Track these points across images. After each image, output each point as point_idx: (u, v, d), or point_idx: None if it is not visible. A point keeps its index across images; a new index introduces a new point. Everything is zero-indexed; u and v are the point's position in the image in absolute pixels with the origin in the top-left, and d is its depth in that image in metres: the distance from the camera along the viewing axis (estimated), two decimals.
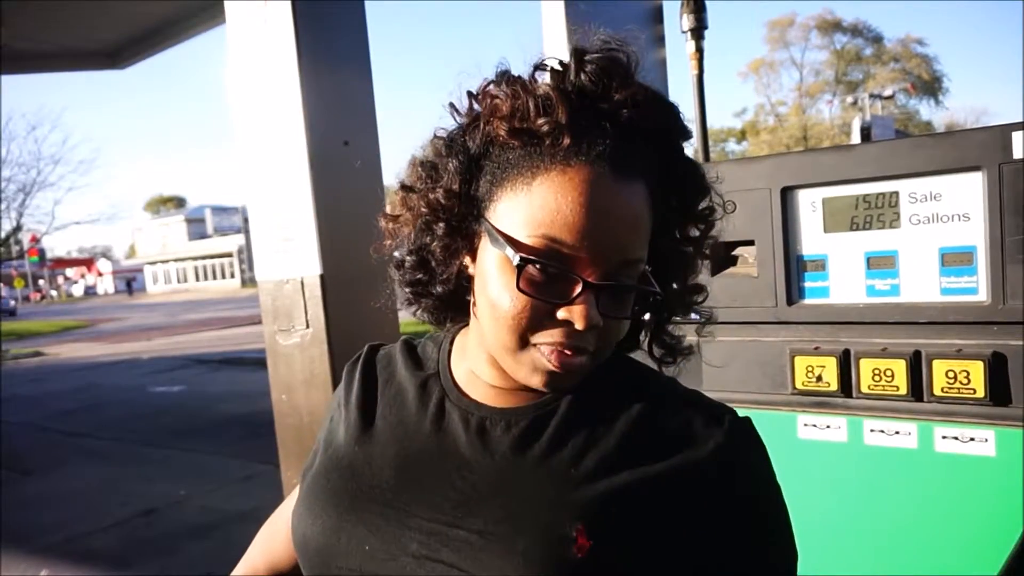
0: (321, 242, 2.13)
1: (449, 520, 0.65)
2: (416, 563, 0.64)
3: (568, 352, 0.63)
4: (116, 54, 5.90)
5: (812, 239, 1.27)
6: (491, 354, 0.70)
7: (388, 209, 0.76)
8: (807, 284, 1.29)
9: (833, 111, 37.99)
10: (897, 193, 1.19)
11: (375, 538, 0.67)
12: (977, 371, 1.11)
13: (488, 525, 0.63)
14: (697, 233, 0.72)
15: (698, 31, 2.09)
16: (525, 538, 0.61)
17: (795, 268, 1.29)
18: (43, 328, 24.53)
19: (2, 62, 5.65)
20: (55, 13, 4.95)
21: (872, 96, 29.05)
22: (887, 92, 30.03)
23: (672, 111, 0.67)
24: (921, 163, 1.15)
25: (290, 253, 2.20)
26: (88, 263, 68.12)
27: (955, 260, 1.15)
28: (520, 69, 0.68)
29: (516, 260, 0.61)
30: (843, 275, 1.25)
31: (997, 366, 1.10)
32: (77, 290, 64.56)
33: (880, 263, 1.22)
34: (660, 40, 2.58)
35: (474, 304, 0.71)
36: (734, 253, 1.36)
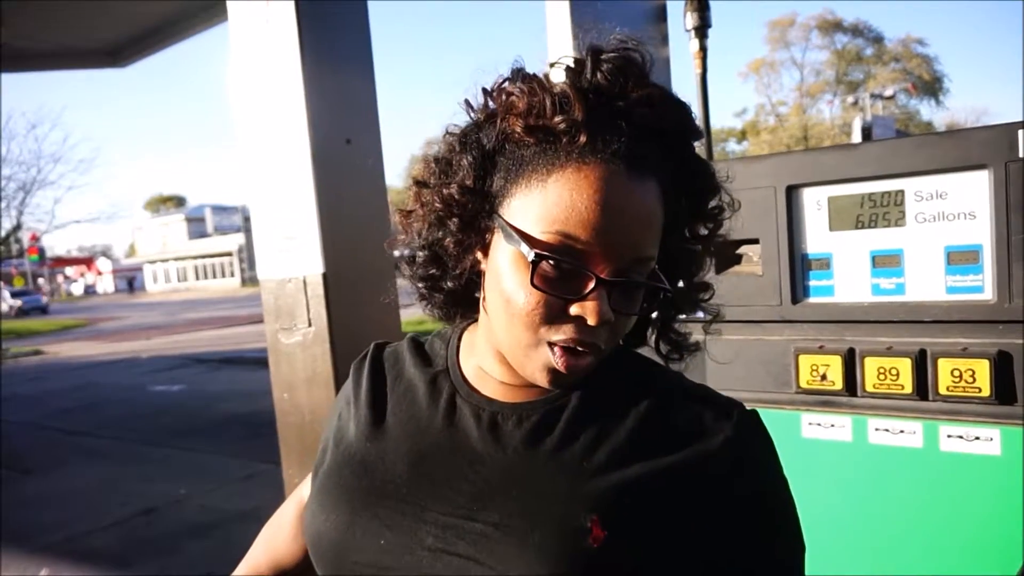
0: (323, 240, 2.13)
1: (465, 514, 0.65)
2: (432, 556, 0.64)
3: (578, 351, 0.64)
4: (117, 52, 5.89)
5: (817, 237, 1.27)
6: (499, 350, 0.70)
7: (398, 205, 0.76)
8: (812, 283, 1.28)
9: (834, 111, 37.99)
10: (903, 191, 1.18)
11: (390, 532, 0.67)
12: (982, 370, 1.11)
13: (503, 518, 0.63)
14: (706, 232, 0.73)
15: (702, 29, 2.09)
16: (541, 530, 0.62)
17: (800, 266, 1.29)
18: (43, 327, 24.55)
19: (2, 60, 5.63)
20: (55, 11, 4.94)
21: (873, 96, 29.00)
22: (888, 92, 29.99)
23: (686, 111, 0.67)
24: (927, 162, 1.15)
25: (292, 252, 2.20)
26: (88, 262, 68.00)
27: (961, 259, 1.15)
28: (526, 68, 0.68)
29: (531, 256, 0.61)
30: (848, 273, 1.25)
31: (1003, 365, 1.10)
32: (77, 289, 64.53)
33: (885, 261, 1.21)
34: (664, 39, 2.58)
35: (484, 300, 0.71)
36: (739, 251, 1.36)
